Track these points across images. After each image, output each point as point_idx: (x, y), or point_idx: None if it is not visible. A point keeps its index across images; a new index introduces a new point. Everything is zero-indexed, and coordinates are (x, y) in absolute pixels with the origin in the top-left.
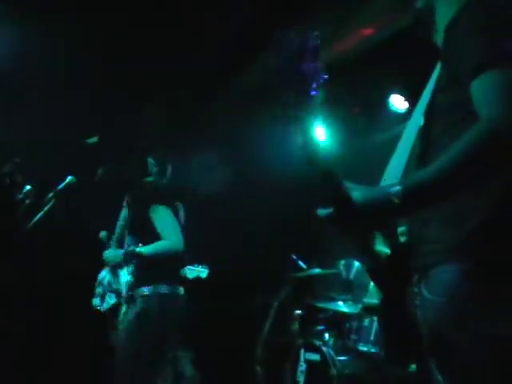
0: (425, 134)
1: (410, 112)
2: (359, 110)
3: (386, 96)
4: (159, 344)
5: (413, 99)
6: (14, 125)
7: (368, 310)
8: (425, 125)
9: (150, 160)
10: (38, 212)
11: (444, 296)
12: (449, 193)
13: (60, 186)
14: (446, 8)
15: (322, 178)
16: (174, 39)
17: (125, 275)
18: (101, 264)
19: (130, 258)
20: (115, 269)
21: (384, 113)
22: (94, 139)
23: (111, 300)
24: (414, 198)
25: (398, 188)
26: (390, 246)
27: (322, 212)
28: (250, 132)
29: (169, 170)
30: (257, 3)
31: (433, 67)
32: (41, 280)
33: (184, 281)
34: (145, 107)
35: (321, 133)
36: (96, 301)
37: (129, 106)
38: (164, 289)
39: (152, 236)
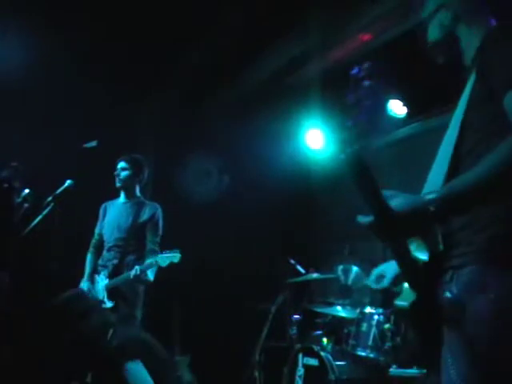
0: (459, 145)
1: (409, 117)
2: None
3: (385, 100)
4: None
5: (412, 104)
6: (13, 129)
7: (399, 311)
8: (460, 137)
9: None
10: (37, 216)
11: (471, 292)
12: (480, 200)
13: (58, 190)
14: (471, 37)
15: (362, 188)
16: (174, 44)
17: (102, 280)
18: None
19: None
20: (92, 276)
21: (382, 118)
22: (93, 143)
23: None
24: (449, 205)
25: (433, 196)
26: (430, 254)
27: (362, 219)
28: (248, 137)
29: (145, 171)
30: (256, 6)
31: (435, 73)
32: (39, 284)
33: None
34: (143, 112)
35: (318, 138)
36: None
37: (127, 110)
38: None
39: None
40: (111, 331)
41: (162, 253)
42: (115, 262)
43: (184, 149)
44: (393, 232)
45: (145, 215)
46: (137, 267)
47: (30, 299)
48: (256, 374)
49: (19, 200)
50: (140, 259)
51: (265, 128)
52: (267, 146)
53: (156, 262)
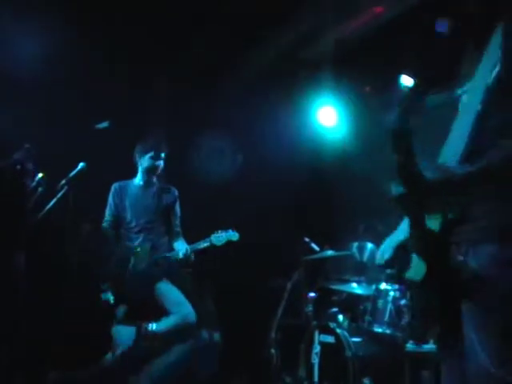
0: (483, 120)
1: (420, 91)
2: (370, 89)
3: (398, 74)
4: None
5: (424, 77)
6: (25, 111)
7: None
8: (483, 112)
9: None
10: (51, 200)
11: (492, 268)
12: None
13: (72, 173)
14: None
15: (403, 158)
16: (185, 22)
17: None
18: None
19: None
20: None
21: (396, 91)
22: (105, 124)
23: None
24: (476, 181)
25: (464, 169)
26: (442, 222)
27: (394, 189)
28: (261, 115)
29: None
30: None
31: (442, 48)
32: (54, 269)
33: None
34: (156, 91)
35: (331, 115)
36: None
37: (139, 88)
38: None
39: None
40: None
41: (214, 233)
42: (151, 243)
43: (196, 128)
44: (423, 200)
45: (168, 199)
46: (187, 247)
47: (45, 283)
48: (273, 351)
49: (33, 184)
50: (170, 241)
51: (278, 106)
52: (280, 123)
53: (211, 241)
